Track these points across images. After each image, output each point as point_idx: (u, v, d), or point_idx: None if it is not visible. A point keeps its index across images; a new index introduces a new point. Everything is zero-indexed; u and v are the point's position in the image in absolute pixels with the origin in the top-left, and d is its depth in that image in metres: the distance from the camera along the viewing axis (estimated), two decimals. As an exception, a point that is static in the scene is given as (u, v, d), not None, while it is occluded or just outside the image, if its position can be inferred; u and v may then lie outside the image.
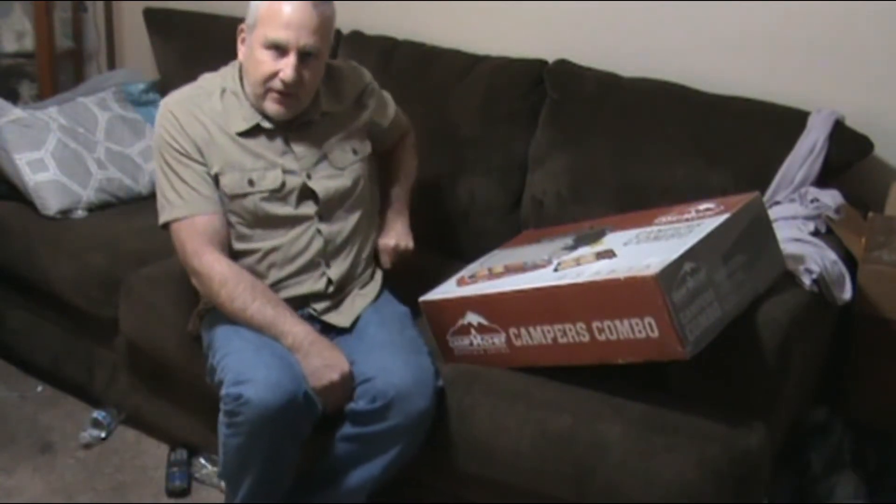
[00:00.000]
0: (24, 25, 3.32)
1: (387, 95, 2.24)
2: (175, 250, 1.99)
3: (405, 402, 1.80)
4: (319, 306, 2.03)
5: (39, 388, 2.71)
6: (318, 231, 2.02)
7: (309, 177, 2.01)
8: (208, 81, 2.06)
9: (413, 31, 2.74)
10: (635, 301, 1.65)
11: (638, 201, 2.29)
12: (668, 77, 2.37)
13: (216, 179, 1.96)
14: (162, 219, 1.98)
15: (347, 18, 2.51)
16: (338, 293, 2.05)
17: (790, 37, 2.31)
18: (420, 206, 2.28)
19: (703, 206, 1.88)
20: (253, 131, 1.98)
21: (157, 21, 3.15)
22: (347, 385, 1.86)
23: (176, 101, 2.02)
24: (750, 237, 1.80)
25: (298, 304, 2.00)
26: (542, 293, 1.80)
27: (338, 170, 2.04)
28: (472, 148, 2.50)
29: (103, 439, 2.49)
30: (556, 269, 1.86)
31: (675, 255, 1.65)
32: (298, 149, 2.01)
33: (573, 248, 1.96)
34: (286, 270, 2.00)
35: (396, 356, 1.87)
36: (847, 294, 1.98)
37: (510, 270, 1.98)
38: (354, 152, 2.09)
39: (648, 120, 2.33)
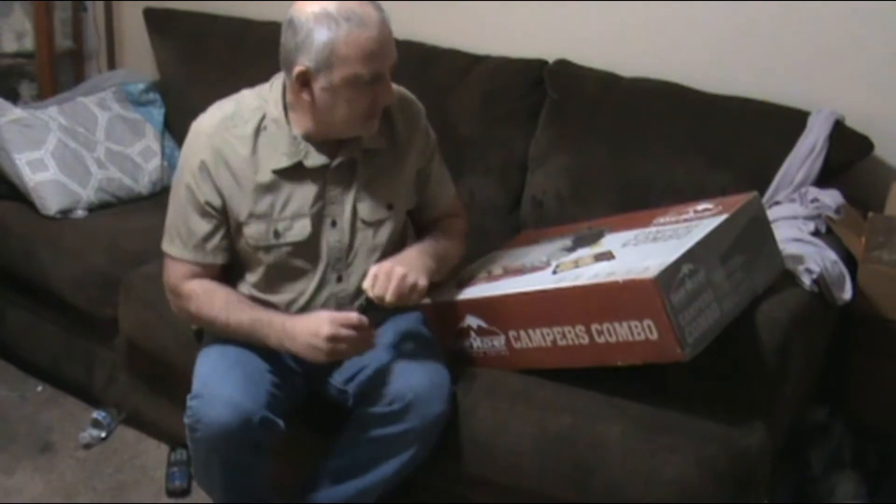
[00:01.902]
0: (24, 25, 3.32)
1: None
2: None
3: (423, 405, 1.78)
4: None
5: (39, 388, 2.71)
6: (336, 291, 1.91)
7: (334, 224, 1.88)
8: (247, 103, 1.86)
9: (413, 31, 2.73)
10: (634, 303, 1.65)
11: (638, 201, 2.29)
12: (668, 77, 2.37)
13: (239, 228, 1.86)
14: (164, 244, 1.93)
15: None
16: None
17: (790, 37, 2.31)
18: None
19: (701, 207, 1.88)
20: (289, 170, 1.83)
21: (157, 21, 3.15)
22: (349, 320, 1.75)
23: (208, 134, 1.83)
24: (748, 237, 1.80)
25: None
26: (541, 296, 1.80)
27: (364, 224, 1.90)
28: (472, 148, 2.50)
29: (103, 439, 2.49)
30: (554, 272, 1.86)
31: (673, 257, 1.65)
32: (332, 193, 1.86)
33: (572, 249, 1.95)
34: None
35: (413, 359, 1.85)
36: (847, 294, 1.97)
37: (509, 273, 1.97)
38: (389, 207, 1.91)
39: (648, 120, 2.33)
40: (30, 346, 2.71)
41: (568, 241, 2.01)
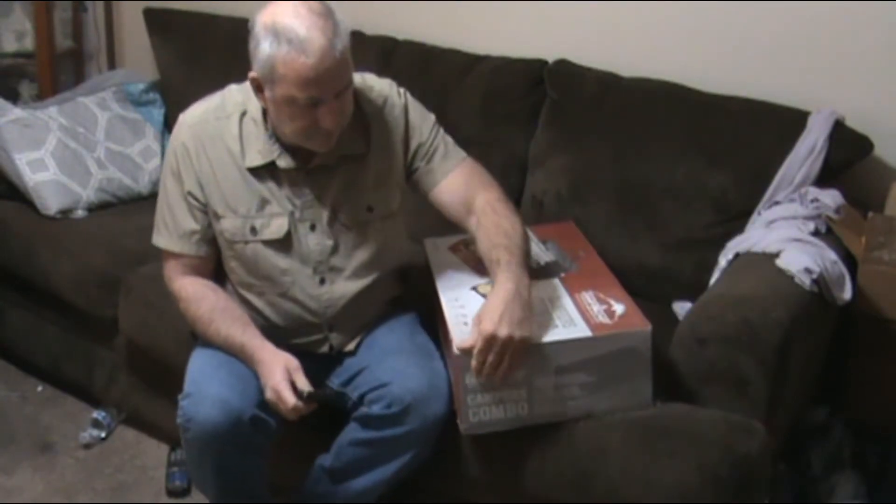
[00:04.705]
0: (24, 25, 3.32)
1: (423, 113, 1.96)
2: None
3: (422, 407, 1.78)
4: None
5: (39, 388, 2.71)
6: (318, 294, 1.90)
7: (313, 228, 1.87)
8: (232, 97, 1.88)
9: (413, 31, 2.74)
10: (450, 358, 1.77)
11: (638, 201, 2.29)
12: (668, 77, 2.37)
13: (217, 219, 1.87)
14: (153, 238, 1.95)
15: (347, 18, 2.50)
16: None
17: (790, 37, 2.31)
18: (421, 205, 2.28)
19: (616, 308, 1.78)
20: (265, 169, 1.84)
21: (157, 21, 3.16)
22: (282, 401, 1.76)
23: (190, 124, 1.86)
24: (609, 364, 1.72)
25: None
26: (441, 305, 1.87)
27: (346, 227, 1.88)
28: (472, 148, 2.48)
29: (103, 439, 2.49)
30: (473, 287, 1.89)
31: None
32: (308, 197, 1.86)
33: None
34: (285, 326, 1.92)
35: (410, 361, 1.84)
36: (847, 294, 1.97)
37: (474, 258, 1.98)
38: (370, 210, 1.90)
39: (648, 120, 2.33)
40: (30, 346, 2.71)
41: (536, 262, 1.99)
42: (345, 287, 1.90)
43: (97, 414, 2.52)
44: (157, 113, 3.01)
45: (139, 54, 3.36)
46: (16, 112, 2.72)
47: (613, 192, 2.33)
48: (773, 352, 1.75)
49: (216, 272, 1.96)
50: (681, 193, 2.24)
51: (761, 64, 2.35)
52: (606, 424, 1.77)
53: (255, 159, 1.84)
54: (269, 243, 1.87)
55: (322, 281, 1.90)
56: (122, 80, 3.04)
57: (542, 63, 2.52)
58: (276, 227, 1.86)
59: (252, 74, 1.75)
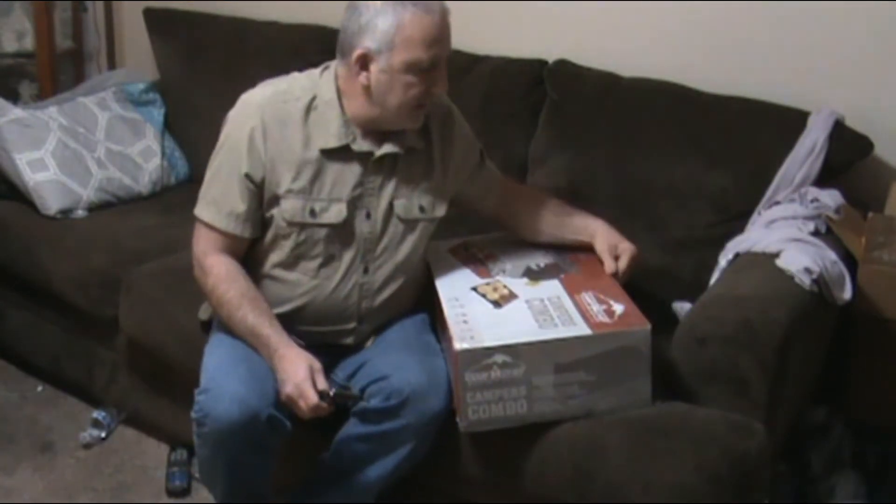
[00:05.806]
0: (24, 25, 3.32)
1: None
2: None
3: (420, 400, 1.79)
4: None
5: (39, 388, 2.71)
6: (361, 283, 1.92)
7: (368, 216, 1.90)
8: (299, 83, 1.90)
9: (413, 31, 2.73)
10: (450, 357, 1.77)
11: (638, 201, 2.29)
12: (668, 77, 2.37)
13: (275, 201, 1.87)
14: (196, 209, 1.92)
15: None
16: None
17: (790, 37, 2.31)
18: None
19: (616, 308, 1.80)
20: (336, 152, 1.86)
21: (157, 21, 3.16)
22: (305, 399, 1.76)
23: (259, 105, 1.86)
24: (608, 363, 1.74)
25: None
26: (440, 301, 1.88)
27: (399, 220, 1.92)
28: (472, 148, 2.50)
29: (103, 439, 2.49)
30: (473, 288, 1.91)
31: (491, 343, 1.70)
32: (371, 184, 1.89)
33: (520, 275, 1.96)
34: (317, 311, 1.93)
35: (412, 356, 1.86)
36: (847, 294, 1.97)
37: (474, 260, 2.02)
38: (421, 209, 1.94)
39: (648, 120, 2.33)
40: (30, 346, 2.71)
41: (539, 262, 2.01)
42: (384, 280, 1.93)
43: (97, 414, 2.52)
44: (157, 113, 3.01)
45: (139, 54, 3.35)
46: (16, 112, 2.72)
47: (613, 192, 2.33)
48: (773, 352, 1.75)
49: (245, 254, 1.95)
50: (680, 193, 2.25)
51: (761, 64, 2.35)
52: (606, 424, 1.77)
53: (330, 142, 1.86)
54: (326, 227, 1.88)
55: (366, 270, 1.92)
56: (122, 80, 3.04)
57: (542, 63, 2.52)
58: (336, 211, 1.87)
59: (360, 51, 1.78)
